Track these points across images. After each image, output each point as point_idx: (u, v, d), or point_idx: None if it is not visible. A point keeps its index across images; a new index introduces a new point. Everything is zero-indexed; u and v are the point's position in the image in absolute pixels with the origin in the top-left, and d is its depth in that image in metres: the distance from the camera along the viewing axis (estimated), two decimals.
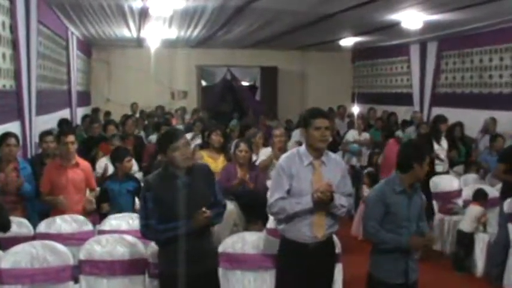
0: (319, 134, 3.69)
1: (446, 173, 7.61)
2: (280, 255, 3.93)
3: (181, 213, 3.53)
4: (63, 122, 8.24)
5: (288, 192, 3.69)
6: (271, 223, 4.76)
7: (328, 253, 3.88)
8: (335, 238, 4.37)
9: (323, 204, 3.63)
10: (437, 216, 7.18)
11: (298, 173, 3.70)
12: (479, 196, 6.42)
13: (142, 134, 9.92)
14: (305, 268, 3.73)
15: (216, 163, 6.07)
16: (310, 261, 3.72)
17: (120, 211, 5.18)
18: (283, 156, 3.89)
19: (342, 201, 3.72)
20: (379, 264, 3.81)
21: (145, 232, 3.67)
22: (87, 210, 5.22)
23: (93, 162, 7.00)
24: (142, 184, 5.74)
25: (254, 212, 4.95)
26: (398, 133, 10.52)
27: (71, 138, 5.28)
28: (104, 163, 6.51)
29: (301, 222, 3.69)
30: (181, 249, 3.57)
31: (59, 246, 4.24)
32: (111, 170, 5.95)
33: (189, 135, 8.23)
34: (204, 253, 3.70)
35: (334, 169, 3.79)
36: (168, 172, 3.63)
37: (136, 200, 5.48)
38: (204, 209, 3.54)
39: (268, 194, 3.88)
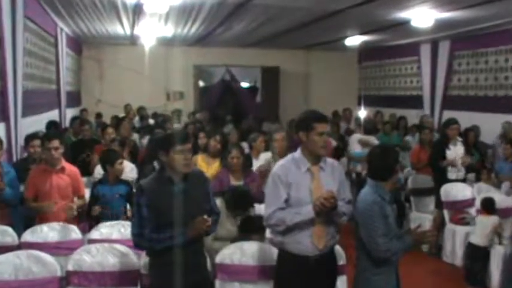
0: (322, 140, 3.69)
1: (463, 181, 7.57)
2: (278, 269, 3.88)
3: (176, 220, 3.54)
4: (51, 125, 8.21)
5: (286, 201, 3.66)
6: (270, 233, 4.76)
7: (329, 266, 3.85)
8: (339, 249, 4.38)
9: (325, 213, 3.60)
10: (449, 226, 7.16)
11: (296, 181, 3.67)
12: (488, 205, 6.38)
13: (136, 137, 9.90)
14: (306, 282, 3.70)
15: (210, 168, 6.23)
16: (311, 275, 3.69)
17: (112, 217, 5.20)
18: (278, 163, 3.87)
19: (343, 208, 3.72)
20: (371, 283, 3.72)
21: (138, 241, 3.64)
22: (68, 217, 5.16)
23: (84, 166, 7.01)
24: (134, 188, 5.84)
25: (239, 207, 4.93)
26: (408, 138, 10.55)
27: (55, 143, 5.24)
28: None
29: (301, 234, 3.65)
30: (173, 260, 3.58)
31: (46, 256, 4.23)
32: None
33: None
34: (197, 264, 3.74)
35: (332, 175, 3.79)
36: (163, 176, 3.65)
37: (128, 205, 5.49)
38: (205, 216, 3.56)
39: (265, 206, 3.82)
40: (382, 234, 3.60)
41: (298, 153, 3.79)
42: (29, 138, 6.18)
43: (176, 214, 3.54)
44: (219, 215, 3.96)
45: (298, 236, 3.66)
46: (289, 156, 3.88)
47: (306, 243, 3.67)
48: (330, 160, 3.89)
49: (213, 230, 3.89)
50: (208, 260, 4.27)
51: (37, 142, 5.94)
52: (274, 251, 4.10)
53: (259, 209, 5.07)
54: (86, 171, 7.01)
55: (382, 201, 3.67)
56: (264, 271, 4.31)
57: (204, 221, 3.54)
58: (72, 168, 5.53)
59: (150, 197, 3.56)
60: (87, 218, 5.54)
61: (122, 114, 12.37)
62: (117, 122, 8.83)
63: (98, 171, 6.71)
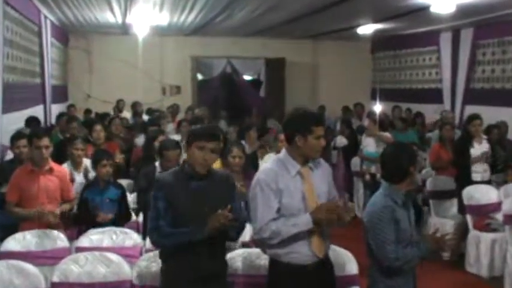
0: (319, 143, 3.69)
1: (488, 182, 7.53)
2: (272, 280, 3.82)
3: (192, 220, 3.57)
4: (31, 121, 8.17)
5: (278, 210, 3.62)
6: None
7: (328, 271, 3.86)
8: (350, 256, 4.41)
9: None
10: (472, 233, 7.12)
11: (287, 187, 3.63)
12: None
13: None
14: None
15: None
16: (311, 283, 3.69)
17: (102, 224, 5.17)
18: (264, 169, 3.80)
19: None
20: None
21: (153, 235, 3.71)
22: (50, 222, 5.11)
23: None
24: (126, 190, 5.83)
25: None
26: (430, 135, 10.50)
27: (45, 141, 5.23)
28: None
29: (298, 243, 3.63)
30: (189, 265, 3.62)
31: (28, 267, 4.20)
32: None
33: (177, 137, 8.21)
34: (215, 274, 3.72)
35: (322, 174, 3.81)
36: (183, 172, 3.71)
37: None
38: (230, 206, 3.54)
39: (253, 218, 3.74)
40: (391, 241, 3.59)
41: (283, 155, 3.75)
42: (15, 138, 6.10)
43: (192, 212, 3.58)
44: (244, 225, 3.92)
45: (295, 246, 3.63)
46: (274, 158, 3.87)
47: (305, 252, 3.65)
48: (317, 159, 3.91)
49: (235, 237, 3.90)
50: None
51: (23, 142, 5.85)
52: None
53: None
54: None
55: (394, 205, 3.66)
56: (264, 279, 4.24)
57: (223, 216, 3.50)
58: (60, 169, 5.53)
59: (166, 191, 3.64)
60: (75, 224, 5.51)
61: (115, 111, 12.39)
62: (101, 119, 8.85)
63: None
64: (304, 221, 3.55)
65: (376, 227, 3.63)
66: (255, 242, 4.40)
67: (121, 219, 5.46)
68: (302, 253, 3.64)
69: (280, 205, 3.61)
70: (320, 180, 3.75)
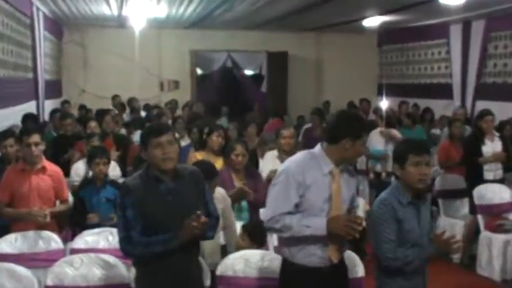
0: (363, 149, 3.89)
1: (501, 181, 7.50)
2: (285, 282, 3.85)
3: (165, 224, 3.52)
4: (28, 118, 8.18)
5: (296, 206, 3.62)
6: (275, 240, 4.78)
7: (342, 274, 3.88)
8: (358, 259, 4.40)
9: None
10: (484, 234, 7.09)
11: (315, 183, 3.62)
12: None
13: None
14: None
15: None
16: (324, 286, 3.70)
17: (98, 224, 5.17)
18: (294, 160, 3.78)
19: None
20: None
21: (126, 247, 3.61)
22: (38, 222, 5.07)
23: (67, 165, 6.98)
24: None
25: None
26: (433, 131, 10.46)
27: (34, 138, 5.18)
28: (83, 168, 6.51)
29: (314, 245, 3.65)
30: (164, 272, 3.57)
31: (21, 270, 4.19)
32: None
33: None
34: (192, 277, 3.71)
35: (348, 181, 3.81)
36: (149, 175, 3.63)
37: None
38: (199, 212, 3.48)
39: (268, 204, 3.76)
40: (389, 240, 3.63)
41: (318, 151, 3.74)
42: (1, 137, 6.06)
43: (164, 216, 3.53)
44: (218, 220, 3.93)
45: (311, 248, 3.65)
46: (306, 153, 3.83)
47: (319, 254, 3.66)
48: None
49: (211, 235, 3.85)
50: (208, 272, 4.26)
51: (10, 141, 5.82)
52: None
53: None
54: (69, 170, 6.98)
55: (398, 205, 3.69)
56: (272, 284, 4.21)
57: (197, 219, 3.46)
58: (54, 168, 5.48)
59: (135, 197, 3.55)
60: (70, 225, 5.50)
61: (110, 107, 12.35)
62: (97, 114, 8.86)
63: (76, 172, 6.77)
64: (318, 226, 3.54)
65: (375, 225, 3.69)
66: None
67: None
68: (318, 255, 3.66)
69: (303, 200, 3.60)
70: (346, 186, 3.75)
